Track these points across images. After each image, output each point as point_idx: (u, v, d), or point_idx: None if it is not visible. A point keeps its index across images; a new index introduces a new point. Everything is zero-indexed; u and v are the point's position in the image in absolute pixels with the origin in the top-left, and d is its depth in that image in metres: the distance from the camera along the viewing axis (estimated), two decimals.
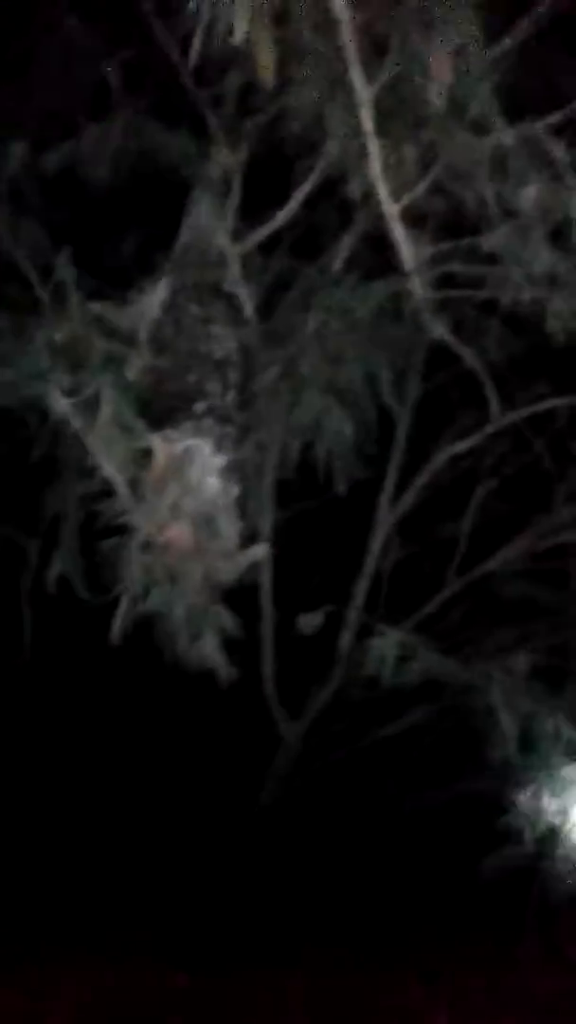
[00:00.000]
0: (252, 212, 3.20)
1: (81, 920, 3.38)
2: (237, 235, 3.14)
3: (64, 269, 2.71)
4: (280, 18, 2.13)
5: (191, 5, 1.97)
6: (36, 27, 2.96)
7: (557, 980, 3.28)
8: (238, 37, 1.95)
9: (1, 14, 2.93)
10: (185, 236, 3.08)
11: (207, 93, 2.87)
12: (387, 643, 3.14)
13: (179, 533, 2.59)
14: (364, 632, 3.63)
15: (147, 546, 2.58)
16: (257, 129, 2.97)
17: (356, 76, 2.25)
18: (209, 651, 2.83)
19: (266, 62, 2.06)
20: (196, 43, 2.00)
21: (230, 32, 1.93)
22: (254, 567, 3.28)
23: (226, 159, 3.11)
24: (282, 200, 3.13)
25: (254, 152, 3.03)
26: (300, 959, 3.31)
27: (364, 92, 2.29)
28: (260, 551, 2.89)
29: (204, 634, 2.74)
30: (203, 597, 2.69)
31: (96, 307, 2.78)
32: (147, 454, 2.58)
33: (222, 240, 3.08)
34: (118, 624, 2.62)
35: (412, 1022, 3.09)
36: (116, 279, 3.03)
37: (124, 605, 2.58)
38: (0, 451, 2.88)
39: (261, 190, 3.19)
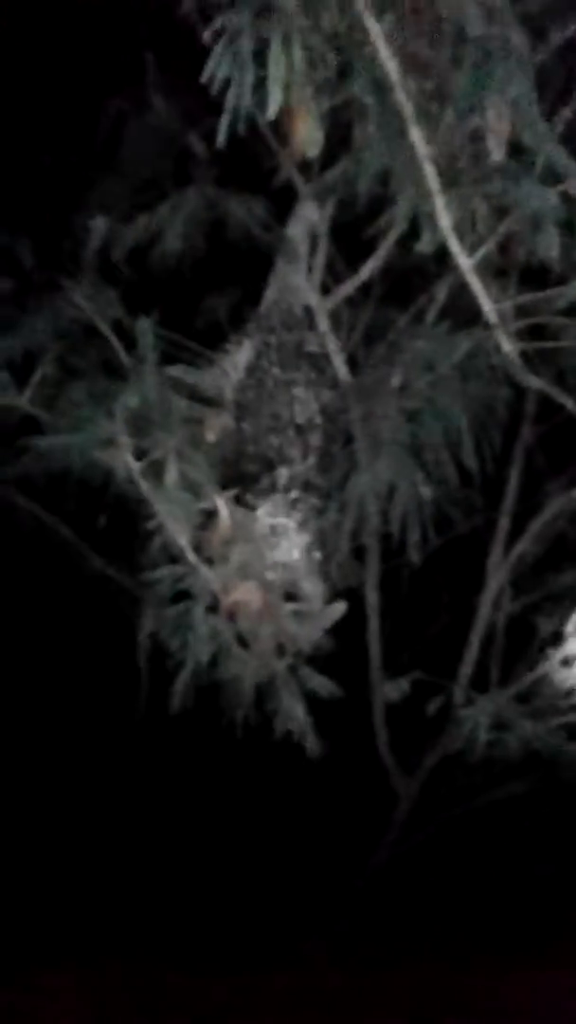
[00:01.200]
0: (344, 264, 3.24)
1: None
2: (325, 290, 3.18)
3: (144, 334, 2.80)
4: (331, 83, 2.14)
5: (214, 83, 1.98)
6: (123, 107, 3.11)
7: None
8: (272, 112, 1.98)
9: (91, 95, 3.09)
10: (270, 296, 3.14)
11: (289, 153, 2.91)
12: (480, 712, 3.05)
13: (247, 595, 2.61)
14: (478, 689, 3.57)
15: (213, 610, 2.61)
16: (342, 184, 3.00)
17: (415, 135, 2.25)
18: (294, 719, 2.83)
19: (308, 134, 2.07)
20: (223, 122, 2.02)
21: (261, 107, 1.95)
22: (358, 622, 3.27)
23: (312, 215, 3.16)
24: (370, 252, 3.16)
25: (340, 205, 3.06)
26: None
27: (424, 149, 2.28)
28: (338, 610, 2.86)
29: (283, 701, 2.74)
30: (280, 662, 2.70)
31: (175, 370, 2.86)
32: (213, 515, 2.62)
33: (310, 296, 3.12)
34: (178, 692, 2.64)
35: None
36: (204, 343, 3.12)
37: (187, 671, 2.61)
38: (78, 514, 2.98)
39: (349, 243, 3.22)
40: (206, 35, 1.95)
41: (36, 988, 3.12)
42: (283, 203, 3.06)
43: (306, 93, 1.99)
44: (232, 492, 2.66)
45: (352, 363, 3.17)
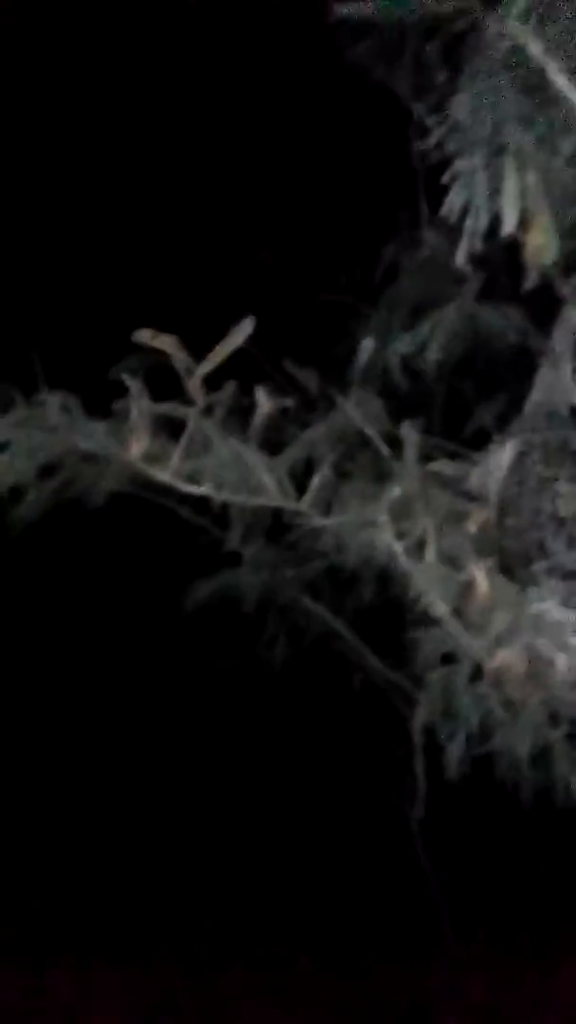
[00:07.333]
0: None
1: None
2: None
3: (408, 437, 3.26)
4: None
5: (453, 207, 2.43)
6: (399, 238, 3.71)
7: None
8: (508, 228, 2.40)
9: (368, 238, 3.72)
10: (536, 396, 3.54)
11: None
12: None
13: (512, 660, 2.91)
14: None
15: (477, 676, 2.94)
16: None
17: None
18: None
19: (543, 243, 2.47)
20: (466, 243, 2.47)
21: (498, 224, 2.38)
22: None
23: None
24: None
25: None
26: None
27: None
28: None
29: (561, 769, 2.98)
30: (555, 731, 2.96)
31: (437, 465, 3.29)
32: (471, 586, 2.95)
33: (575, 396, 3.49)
34: (455, 759, 2.96)
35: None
36: (469, 447, 3.56)
37: (459, 740, 2.93)
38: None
39: None
40: (444, 178, 2.43)
41: (37, 988, 3.42)
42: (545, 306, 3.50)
43: (541, 207, 2.40)
44: (490, 561, 3.01)
45: None
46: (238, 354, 3.25)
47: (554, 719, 3.04)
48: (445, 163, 2.80)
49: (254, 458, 3.07)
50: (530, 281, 2.77)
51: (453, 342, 3.36)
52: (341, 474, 3.54)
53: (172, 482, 3.00)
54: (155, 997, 3.70)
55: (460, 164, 2.36)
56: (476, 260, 3.45)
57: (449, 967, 3.63)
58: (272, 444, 3.50)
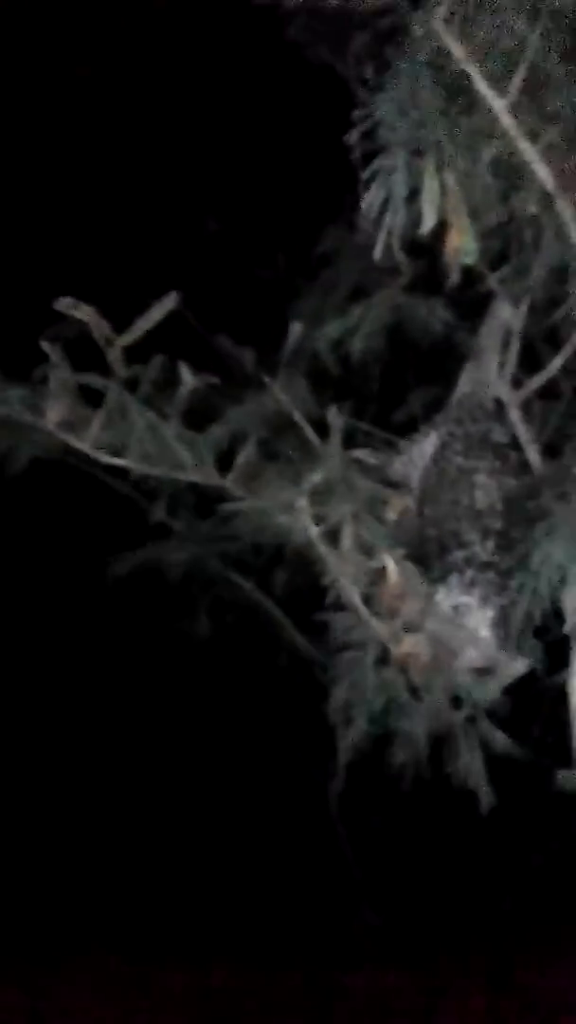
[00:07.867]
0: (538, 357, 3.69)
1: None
2: (517, 384, 3.64)
3: (333, 422, 3.33)
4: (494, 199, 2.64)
5: (370, 206, 2.50)
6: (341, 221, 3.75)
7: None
8: (426, 228, 2.47)
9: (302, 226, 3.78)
10: (461, 390, 3.63)
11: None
12: None
13: (417, 646, 3.01)
14: None
15: (383, 661, 3.02)
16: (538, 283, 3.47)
17: None
18: (471, 772, 3.15)
19: (463, 245, 2.54)
20: (381, 239, 2.54)
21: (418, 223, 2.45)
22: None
23: (506, 313, 3.64)
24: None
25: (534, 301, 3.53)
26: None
27: None
28: (520, 667, 3.19)
29: (460, 753, 3.10)
30: (456, 714, 3.06)
31: (360, 453, 3.37)
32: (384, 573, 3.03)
33: (501, 390, 3.59)
34: (349, 740, 3.06)
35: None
36: (402, 433, 3.64)
37: (358, 720, 3.03)
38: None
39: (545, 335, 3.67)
40: (364, 175, 2.49)
41: (38, 987, 3.51)
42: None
43: (460, 209, 2.48)
44: (404, 550, 3.09)
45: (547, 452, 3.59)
46: (179, 328, 3.31)
47: (456, 704, 3.13)
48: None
49: (171, 432, 3.11)
50: (453, 279, 2.83)
51: (380, 332, 3.43)
52: (267, 455, 3.63)
53: (92, 452, 3.06)
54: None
55: (380, 162, 2.42)
56: (411, 250, 3.58)
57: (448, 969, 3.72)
58: (203, 420, 3.57)
